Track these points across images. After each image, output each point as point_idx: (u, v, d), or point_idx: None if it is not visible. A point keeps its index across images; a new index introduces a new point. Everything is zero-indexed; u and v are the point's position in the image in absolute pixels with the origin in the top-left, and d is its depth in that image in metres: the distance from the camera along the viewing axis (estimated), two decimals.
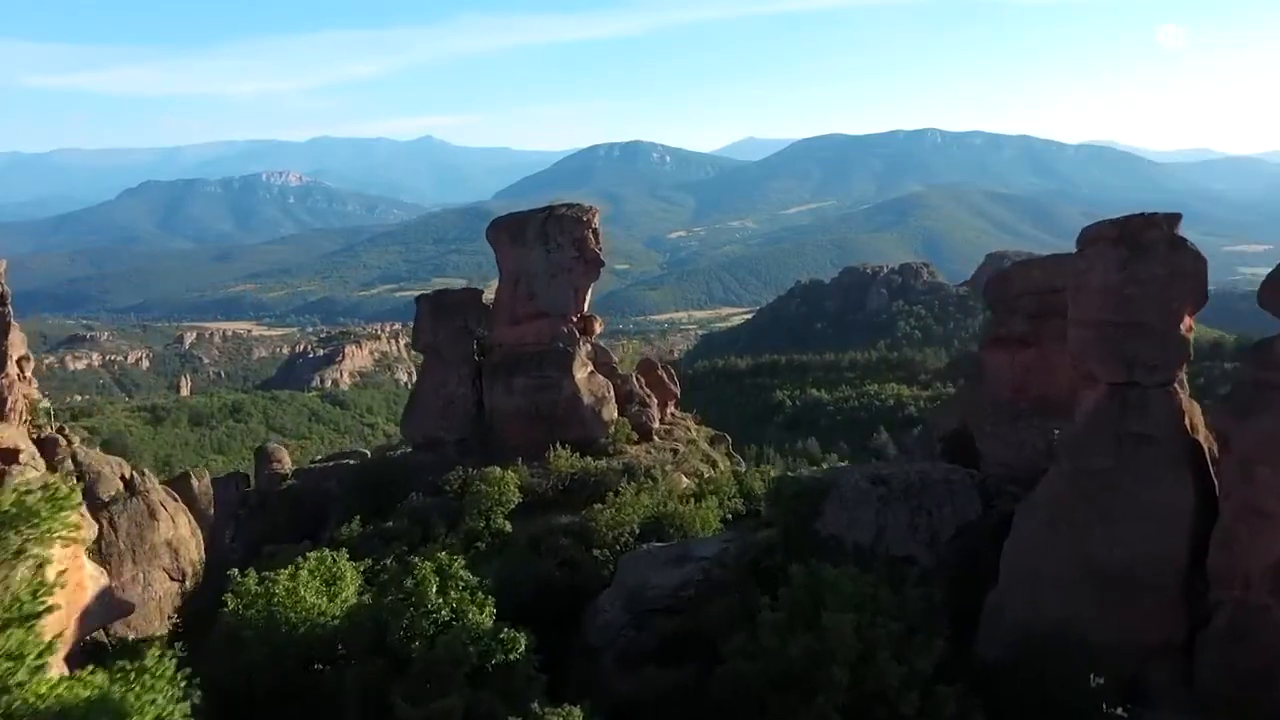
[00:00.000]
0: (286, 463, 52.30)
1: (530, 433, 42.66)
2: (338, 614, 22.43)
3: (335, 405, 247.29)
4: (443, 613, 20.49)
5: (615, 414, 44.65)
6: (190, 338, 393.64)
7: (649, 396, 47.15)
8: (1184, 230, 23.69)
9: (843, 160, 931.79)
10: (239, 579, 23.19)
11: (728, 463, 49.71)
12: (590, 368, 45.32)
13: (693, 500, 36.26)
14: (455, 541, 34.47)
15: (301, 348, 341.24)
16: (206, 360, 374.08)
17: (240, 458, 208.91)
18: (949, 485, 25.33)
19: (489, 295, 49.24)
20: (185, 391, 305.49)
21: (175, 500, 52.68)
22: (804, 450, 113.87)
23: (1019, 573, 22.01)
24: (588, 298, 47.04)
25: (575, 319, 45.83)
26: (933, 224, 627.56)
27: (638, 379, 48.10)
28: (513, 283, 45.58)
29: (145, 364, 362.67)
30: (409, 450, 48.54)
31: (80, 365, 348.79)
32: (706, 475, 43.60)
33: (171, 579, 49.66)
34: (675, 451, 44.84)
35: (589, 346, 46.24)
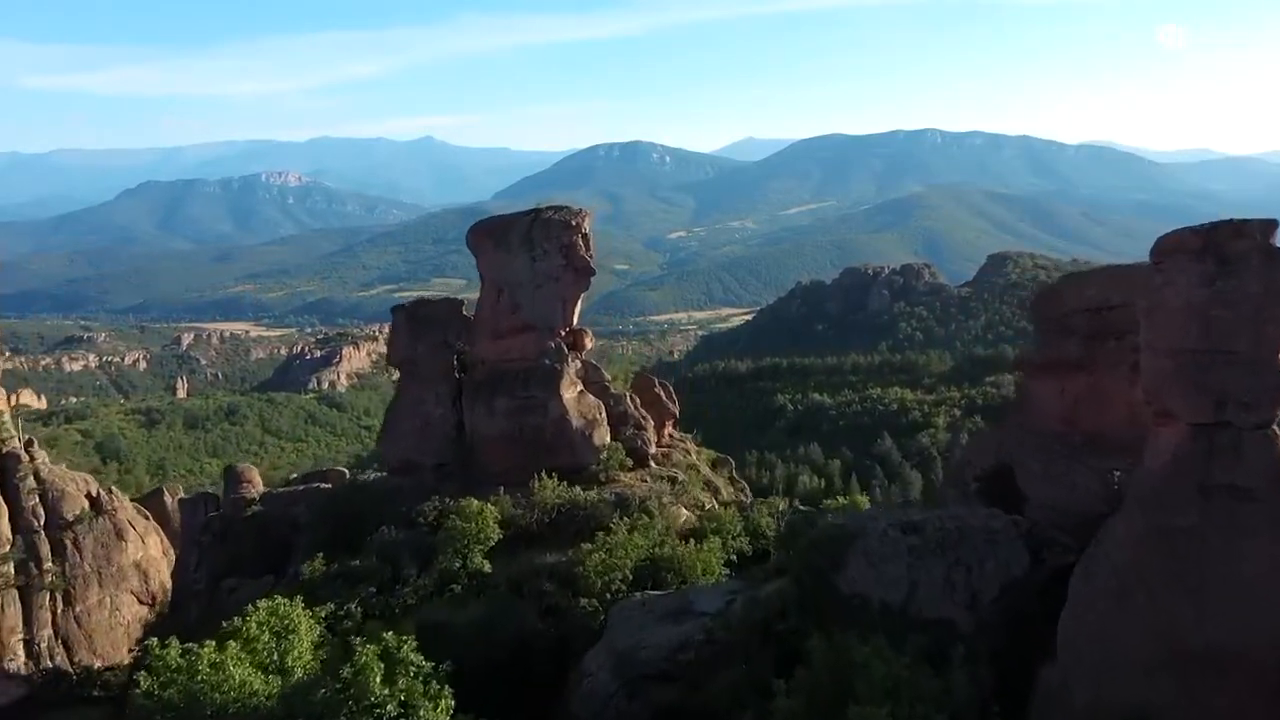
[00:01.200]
0: (257, 483, 48.36)
1: (514, 458, 38.93)
2: (273, 692, 18.86)
3: (332, 407, 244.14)
4: (388, 707, 16.98)
5: (607, 438, 40.59)
6: (188, 339, 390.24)
7: (644, 418, 42.94)
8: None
9: (843, 160, 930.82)
10: (157, 651, 19.56)
11: (731, 489, 45.52)
12: (580, 387, 41.23)
13: (692, 540, 32.59)
14: (428, 583, 31.32)
15: (299, 349, 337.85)
16: (204, 361, 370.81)
17: (235, 461, 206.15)
18: (991, 535, 21.82)
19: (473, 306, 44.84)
20: (182, 393, 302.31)
21: (146, 518, 48.92)
22: (806, 457, 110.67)
23: (1081, 650, 18.33)
24: (577, 309, 42.47)
25: (563, 333, 41.51)
26: (933, 224, 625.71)
27: (632, 399, 43.74)
28: (495, 293, 41.33)
29: (142, 365, 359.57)
30: (384, 474, 44.62)
31: (77, 366, 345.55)
32: (708, 506, 39.81)
33: (141, 602, 46.00)
34: (674, 480, 40.61)
35: (578, 363, 42.09)
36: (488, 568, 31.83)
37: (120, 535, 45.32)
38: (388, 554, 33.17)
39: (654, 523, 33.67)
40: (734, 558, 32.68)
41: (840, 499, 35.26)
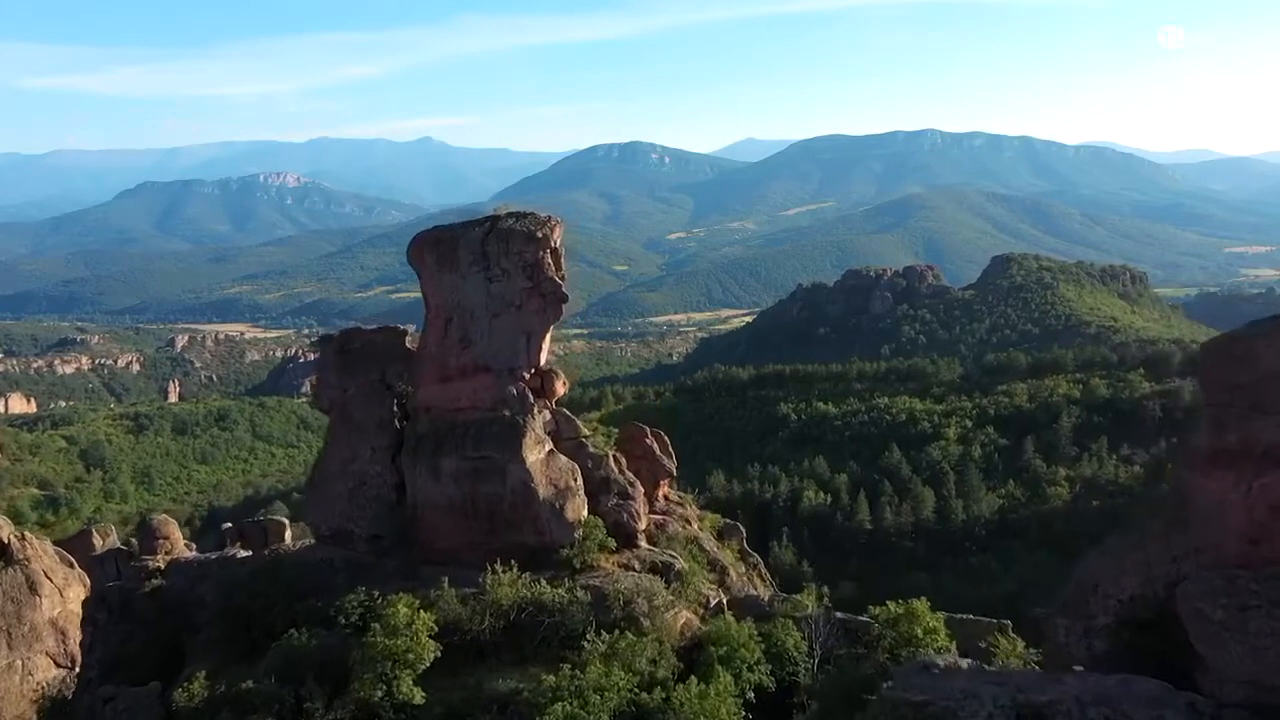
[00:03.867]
0: (175, 540, 40.72)
1: (466, 533, 31.29)
2: None
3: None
4: None
5: (584, 511, 31.74)
6: (182, 341, 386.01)
7: (632, 484, 33.99)
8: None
9: (842, 161, 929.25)
10: None
11: (743, 568, 37.32)
12: (548, 446, 32.28)
13: (694, 677, 25.00)
14: (341, 716, 24.86)
15: (293, 352, 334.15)
16: (198, 364, 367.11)
17: (224, 468, 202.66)
18: None
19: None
20: (174, 397, 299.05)
21: (71, 566, 42.93)
22: (811, 470, 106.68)
23: None
24: (546, 345, 33.09)
25: (528, 376, 32.49)
26: (933, 225, 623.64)
27: (616, 459, 34.80)
28: (442, 323, 32.76)
29: (136, 368, 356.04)
30: (311, 543, 35.68)
31: (69, 369, 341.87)
32: (715, 600, 31.30)
33: (58, 665, 39.77)
34: (669, 570, 31.38)
35: (547, 415, 33.08)
36: (419, 698, 24.87)
37: (34, 588, 39.86)
38: (292, 669, 25.84)
39: (642, 644, 26.04)
40: (751, 694, 25.65)
41: (892, 605, 27.57)
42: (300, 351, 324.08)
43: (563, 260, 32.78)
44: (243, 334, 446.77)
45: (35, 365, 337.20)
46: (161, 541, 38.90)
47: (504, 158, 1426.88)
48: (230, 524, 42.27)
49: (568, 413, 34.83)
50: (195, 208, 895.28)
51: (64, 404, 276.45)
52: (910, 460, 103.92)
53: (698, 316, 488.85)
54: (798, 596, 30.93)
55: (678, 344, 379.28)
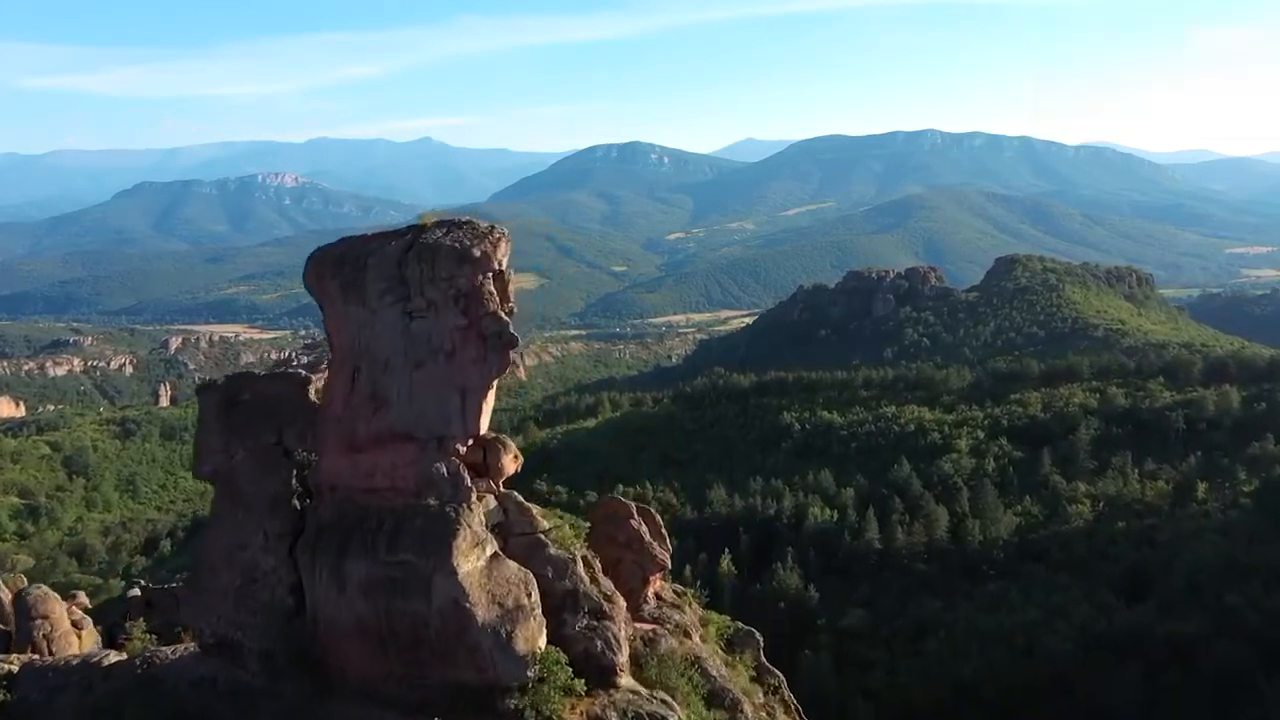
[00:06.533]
0: (56, 620, 32.63)
1: (382, 664, 22.92)
2: None
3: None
4: None
5: (541, 639, 23.10)
6: (176, 342, 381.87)
7: (609, 598, 24.84)
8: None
9: (842, 161, 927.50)
10: None
11: (760, 695, 28.81)
12: (491, 547, 23.51)
13: None
14: None
15: (287, 353, 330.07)
16: (192, 365, 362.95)
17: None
18: None
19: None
20: (165, 400, 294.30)
21: None
22: (816, 484, 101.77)
23: None
24: (488, 404, 24.30)
25: (463, 448, 23.86)
26: (933, 225, 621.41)
27: (588, 562, 25.53)
28: (348, 372, 24.21)
29: (129, 370, 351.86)
30: (194, 651, 27.47)
31: (61, 371, 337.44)
32: None
33: None
34: None
35: (491, 502, 24.55)
36: None
37: None
38: None
39: None
40: None
41: None
42: (294, 354, 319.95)
43: (510, 288, 24.09)
44: (238, 335, 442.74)
45: (26, 367, 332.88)
46: (39, 622, 31.32)
47: (503, 158, 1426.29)
48: (140, 589, 36.16)
49: (519, 498, 25.30)
50: (193, 208, 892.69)
51: (53, 407, 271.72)
52: (920, 474, 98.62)
53: (697, 317, 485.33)
54: None
55: (677, 345, 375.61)
